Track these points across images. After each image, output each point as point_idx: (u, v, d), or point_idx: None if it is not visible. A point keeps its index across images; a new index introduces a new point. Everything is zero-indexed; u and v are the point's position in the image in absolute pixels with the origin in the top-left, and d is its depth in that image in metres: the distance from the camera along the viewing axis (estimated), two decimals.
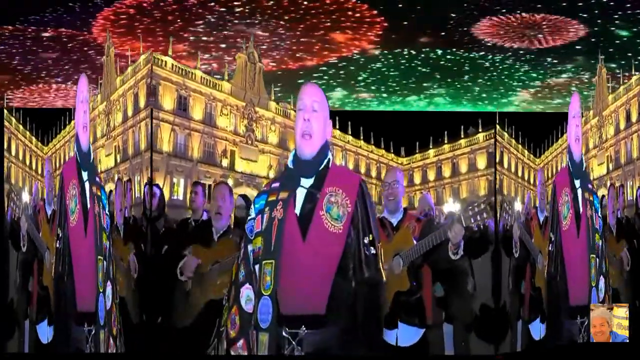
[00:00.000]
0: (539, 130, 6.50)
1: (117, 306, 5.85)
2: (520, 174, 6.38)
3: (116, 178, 5.98)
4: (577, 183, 6.48)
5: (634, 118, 6.80)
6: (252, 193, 5.87)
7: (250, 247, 5.31)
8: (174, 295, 5.70)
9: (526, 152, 6.42)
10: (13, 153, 6.41)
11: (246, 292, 5.28)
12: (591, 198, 6.58)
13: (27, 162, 6.40)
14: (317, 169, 5.26)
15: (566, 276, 6.38)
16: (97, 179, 5.99)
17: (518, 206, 6.26)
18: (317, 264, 5.14)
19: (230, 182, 5.89)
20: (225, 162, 5.93)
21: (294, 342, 5.07)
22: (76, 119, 5.98)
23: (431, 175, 6.11)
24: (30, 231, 6.22)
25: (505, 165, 6.24)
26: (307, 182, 5.24)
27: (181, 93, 5.91)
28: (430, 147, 6.19)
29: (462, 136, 6.22)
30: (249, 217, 5.39)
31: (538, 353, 6.27)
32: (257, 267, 5.24)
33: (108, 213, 5.91)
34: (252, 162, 6.01)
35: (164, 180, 5.74)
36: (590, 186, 6.62)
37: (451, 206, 5.99)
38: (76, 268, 5.87)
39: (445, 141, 6.23)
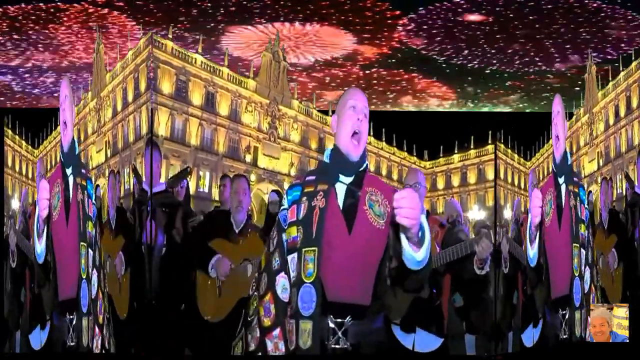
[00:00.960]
0: (528, 132, 6.56)
1: (106, 295, 5.84)
2: (510, 180, 6.41)
3: (107, 172, 6.03)
4: (561, 180, 6.45)
5: (622, 113, 6.95)
6: (271, 188, 6.06)
7: (284, 237, 5.25)
8: (201, 290, 5.82)
9: (516, 156, 6.46)
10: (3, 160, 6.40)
11: (282, 280, 5.21)
12: (576, 189, 6.58)
13: (17, 169, 6.41)
14: (357, 169, 5.24)
15: (549, 272, 6.34)
16: (83, 170, 5.99)
17: (507, 213, 6.27)
18: (363, 256, 5.11)
19: (252, 177, 6.02)
20: (248, 158, 6.05)
21: (339, 332, 5.06)
22: (60, 118, 5.94)
23: (455, 181, 6.20)
24: (19, 243, 6.17)
25: (501, 175, 6.30)
26: (346, 179, 5.21)
27: (209, 89, 6.01)
28: (455, 151, 6.27)
29: (490, 142, 6.23)
30: (282, 208, 5.33)
31: (538, 353, 6.31)
32: (293, 255, 5.19)
33: (95, 202, 5.90)
34: (274, 159, 6.15)
35: (191, 174, 5.82)
36: (575, 179, 6.63)
37: (476, 214, 6.06)
38: (58, 258, 5.82)
39: (472, 146, 6.27)
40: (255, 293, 5.34)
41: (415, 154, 6.12)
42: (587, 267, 6.55)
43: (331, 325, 5.04)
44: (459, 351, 5.81)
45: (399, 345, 5.23)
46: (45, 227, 5.82)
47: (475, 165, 6.23)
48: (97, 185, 6.00)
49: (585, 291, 6.51)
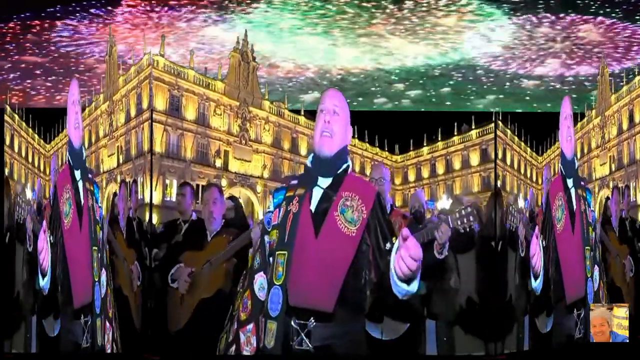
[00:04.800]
0: (541, 130, 6.46)
1: (112, 291, 5.91)
2: (522, 171, 6.35)
3: (119, 180, 5.97)
4: (570, 182, 6.44)
5: (637, 119, 6.77)
6: (245, 193, 5.85)
7: (267, 239, 5.41)
8: (168, 300, 5.71)
9: (529, 149, 6.39)
10: (16, 150, 6.39)
11: (260, 279, 5.39)
12: (584, 194, 6.57)
13: (30, 160, 6.39)
14: (335, 170, 5.32)
15: (562, 279, 6.34)
16: (89, 175, 5.98)
17: (521, 203, 6.25)
18: (328, 261, 5.22)
19: (224, 182, 5.84)
20: (218, 163, 5.88)
21: (302, 334, 5.16)
22: (68, 120, 5.96)
23: (425, 173, 6.09)
24: (36, 230, 6.18)
25: (508, 162, 6.21)
26: (324, 182, 5.30)
27: (174, 93, 5.86)
28: (425, 144, 6.18)
29: (456, 133, 6.22)
30: (267, 210, 5.51)
31: (539, 353, 6.24)
32: (271, 258, 5.34)
33: (100, 205, 5.94)
34: (246, 162, 5.96)
35: (156, 182, 5.69)
36: (582, 183, 6.58)
37: (445, 203, 5.94)
38: (72, 266, 5.86)
39: (439, 139, 6.22)
40: (240, 289, 5.54)
41: (386, 149, 6.00)
42: (595, 266, 6.53)
43: (294, 326, 5.15)
44: (420, 336, 5.73)
45: (368, 336, 5.30)
46: (50, 269, 5.91)
47: (459, 152, 6.23)
48: (115, 193, 5.99)
49: (595, 289, 6.49)
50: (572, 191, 6.44)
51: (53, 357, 5.97)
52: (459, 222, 5.49)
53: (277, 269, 5.28)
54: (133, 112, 5.90)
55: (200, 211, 5.77)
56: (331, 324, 5.13)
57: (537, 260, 6.21)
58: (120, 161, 6.01)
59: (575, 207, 6.41)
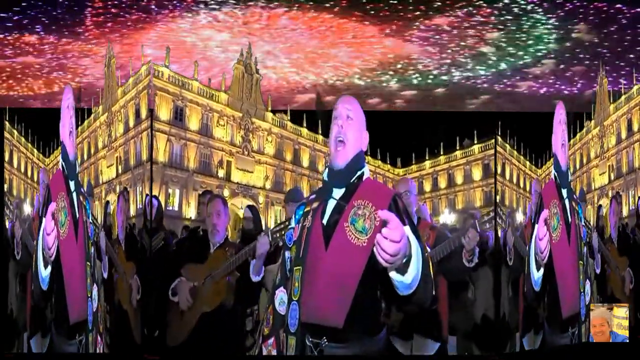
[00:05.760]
0: (540, 137, 6.42)
1: (103, 306, 5.90)
2: (522, 185, 6.33)
3: (118, 190, 5.97)
4: (565, 192, 6.34)
5: (635, 127, 6.79)
6: (246, 203, 5.90)
7: (287, 254, 5.30)
8: (169, 314, 5.73)
9: (527, 163, 6.38)
10: (15, 165, 6.39)
11: (280, 294, 5.28)
12: (577, 208, 6.49)
13: (29, 174, 6.38)
14: (349, 179, 5.14)
15: (557, 290, 6.20)
16: (82, 189, 5.97)
17: (520, 217, 6.21)
18: (338, 274, 5.02)
19: (226, 192, 5.88)
20: (221, 173, 5.93)
21: (315, 352, 5.03)
22: (62, 126, 5.91)
23: (427, 187, 6.08)
24: (24, 237, 6.16)
25: (507, 176, 6.19)
26: (338, 193, 5.13)
27: (177, 104, 5.90)
28: (427, 158, 6.15)
29: (458, 148, 6.19)
30: (289, 226, 5.35)
31: (539, 353, 6.21)
32: (290, 273, 5.24)
33: (92, 221, 5.91)
34: (248, 172, 6.00)
35: (159, 191, 5.73)
36: (574, 196, 6.51)
37: (447, 217, 5.94)
38: (68, 277, 5.81)
39: (442, 152, 6.19)
40: (268, 304, 5.41)
41: (388, 162, 5.99)
42: (587, 280, 6.46)
43: (308, 344, 5.00)
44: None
45: (396, 352, 5.25)
46: (54, 256, 5.79)
47: (461, 166, 6.20)
48: (107, 202, 5.99)
49: (587, 303, 6.42)
50: (567, 202, 6.34)
51: (53, 358, 5.94)
52: (487, 225, 5.44)
53: (294, 285, 5.14)
54: (132, 122, 5.91)
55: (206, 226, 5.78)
56: (344, 344, 4.97)
57: (545, 245, 6.06)
58: (119, 171, 6.04)
59: (570, 219, 6.31)
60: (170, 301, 5.71)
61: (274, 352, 5.25)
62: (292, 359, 5.12)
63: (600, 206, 6.77)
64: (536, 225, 6.11)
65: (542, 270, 6.10)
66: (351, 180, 5.12)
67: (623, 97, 6.93)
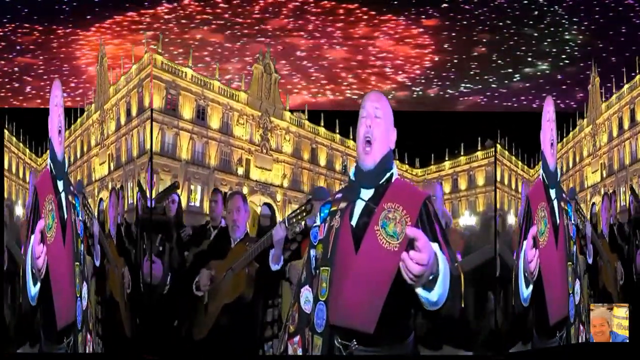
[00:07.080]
0: (533, 136, 6.42)
1: (92, 303, 5.95)
2: (513, 186, 6.30)
3: (110, 187, 6.05)
4: (553, 193, 6.37)
5: (626, 125, 6.87)
6: (264, 201, 6.03)
7: (312, 252, 5.35)
8: (191, 307, 5.80)
9: (520, 163, 6.36)
10: (6, 166, 6.41)
11: (305, 293, 5.35)
12: (566, 207, 6.51)
13: (21, 175, 6.42)
14: (378, 180, 5.15)
15: (544, 296, 6.20)
16: (71, 187, 6.03)
17: (511, 219, 6.16)
18: (368, 279, 5.02)
19: (245, 190, 5.99)
20: (240, 171, 6.03)
21: (344, 353, 5.03)
22: (50, 123, 6.01)
23: (447, 188, 6.06)
24: (8, 244, 6.21)
25: (505, 181, 6.20)
26: (367, 194, 5.14)
27: (200, 103, 6.00)
28: (446, 158, 6.15)
29: (479, 148, 6.13)
30: (314, 225, 5.42)
31: (539, 353, 6.22)
32: (317, 271, 5.30)
33: (81, 219, 5.98)
34: (267, 170, 6.11)
35: (181, 188, 5.82)
36: (564, 195, 6.55)
37: (467, 219, 5.92)
38: (55, 283, 5.87)
39: (462, 153, 6.16)
40: (293, 301, 5.49)
41: (406, 162, 5.97)
42: (577, 280, 6.50)
43: (337, 345, 5.06)
44: None
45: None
46: (43, 272, 5.84)
47: (482, 167, 6.11)
48: (101, 199, 6.05)
49: (576, 303, 6.44)
50: (555, 203, 6.37)
51: (53, 357, 6.00)
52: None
53: (322, 285, 5.17)
54: (134, 112, 6.00)
55: (226, 222, 5.90)
56: (375, 349, 5.00)
57: (535, 267, 6.02)
58: (112, 168, 6.14)
59: (558, 221, 6.32)
60: (195, 296, 5.79)
61: (300, 350, 5.30)
62: (314, 359, 5.20)
63: (593, 204, 6.83)
64: (524, 242, 6.06)
65: (531, 287, 6.06)
66: (380, 182, 5.13)
67: (614, 96, 7.03)
